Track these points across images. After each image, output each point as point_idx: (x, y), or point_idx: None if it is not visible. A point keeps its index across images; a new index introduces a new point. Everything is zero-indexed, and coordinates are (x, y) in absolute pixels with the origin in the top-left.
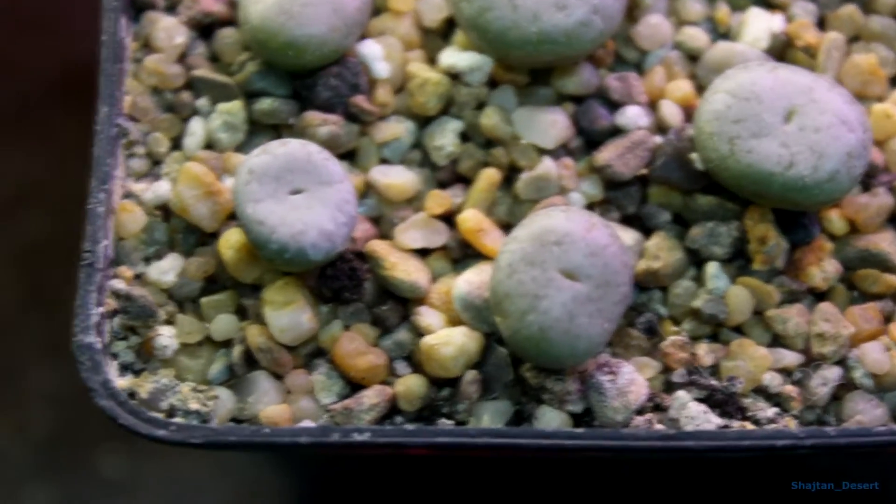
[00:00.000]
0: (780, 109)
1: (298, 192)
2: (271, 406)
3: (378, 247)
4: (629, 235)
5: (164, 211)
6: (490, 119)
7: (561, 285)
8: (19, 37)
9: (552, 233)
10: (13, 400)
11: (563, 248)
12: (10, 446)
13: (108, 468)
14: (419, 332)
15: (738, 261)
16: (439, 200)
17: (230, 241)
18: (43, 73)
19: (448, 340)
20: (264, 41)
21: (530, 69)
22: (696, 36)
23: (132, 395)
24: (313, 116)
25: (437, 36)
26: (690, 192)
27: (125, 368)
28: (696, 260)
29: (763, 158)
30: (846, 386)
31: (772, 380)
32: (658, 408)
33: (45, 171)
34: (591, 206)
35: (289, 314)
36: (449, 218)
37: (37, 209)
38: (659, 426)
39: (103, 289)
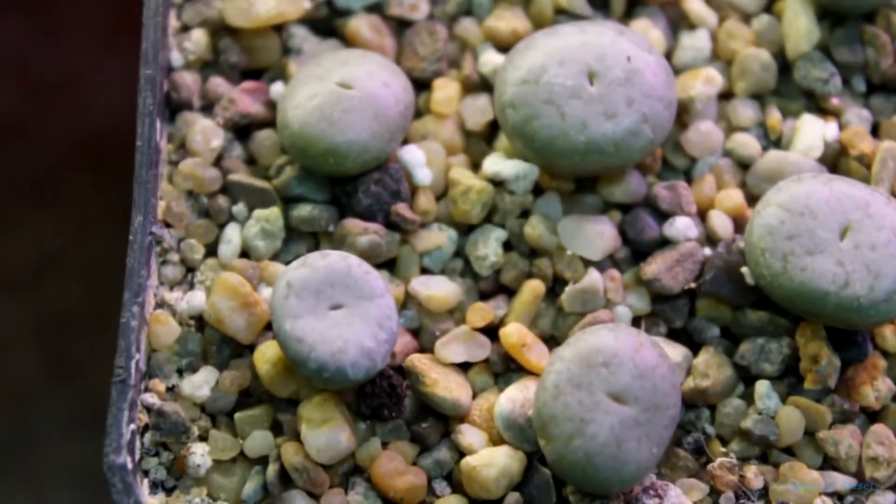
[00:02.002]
0: (835, 225)
1: (338, 308)
2: None
3: (419, 362)
4: (676, 351)
5: (198, 321)
6: (535, 229)
7: (608, 409)
8: (41, 103)
9: (600, 353)
10: (34, 471)
11: (610, 369)
12: None
13: None
14: (460, 451)
15: (789, 378)
16: (482, 313)
17: (266, 354)
18: (65, 140)
19: (490, 462)
20: (304, 148)
21: (576, 177)
22: (747, 143)
23: None
24: (353, 225)
25: (479, 139)
26: (740, 307)
27: (156, 486)
28: (746, 377)
29: (817, 277)
30: None
31: None
32: None
33: (68, 239)
34: (637, 320)
35: (326, 433)
36: (491, 330)
37: (59, 277)
38: None
39: (135, 404)
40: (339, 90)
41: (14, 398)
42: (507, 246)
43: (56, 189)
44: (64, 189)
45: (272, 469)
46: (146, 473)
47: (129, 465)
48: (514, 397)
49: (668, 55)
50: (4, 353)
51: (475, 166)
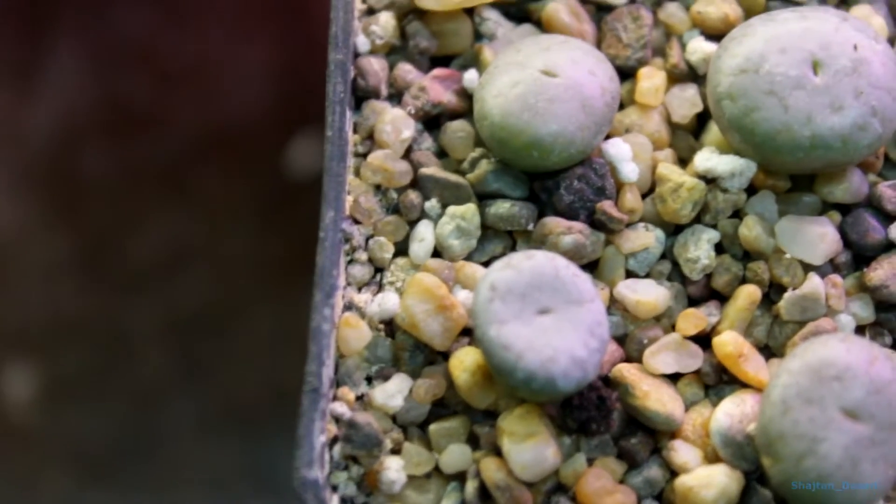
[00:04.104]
0: None
1: (546, 312)
2: None
3: (628, 372)
4: None
5: (388, 325)
6: (751, 230)
7: (842, 426)
8: (170, 92)
9: (831, 366)
10: (162, 476)
11: (843, 383)
12: None
13: None
14: (671, 469)
15: None
16: (694, 321)
17: (464, 362)
18: (194, 131)
19: (708, 482)
20: (506, 139)
21: (794, 174)
22: None
23: None
24: (555, 223)
25: (686, 133)
26: None
27: (345, 502)
28: None
29: None
30: None
31: None
32: None
33: (198, 234)
34: (860, 330)
35: (531, 448)
36: (702, 338)
37: (190, 273)
38: None
39: (325, 414)
40: (543, 78)
41: (145, 397)
42: (719, 248)
43: (186, 182)
44: (193, 182)
45: (471, 486)
46: (335, 489)
47: (322, 481)
48: (732, 412)
49: (891, 43)
50: (135, 351)
51: (682, 162)
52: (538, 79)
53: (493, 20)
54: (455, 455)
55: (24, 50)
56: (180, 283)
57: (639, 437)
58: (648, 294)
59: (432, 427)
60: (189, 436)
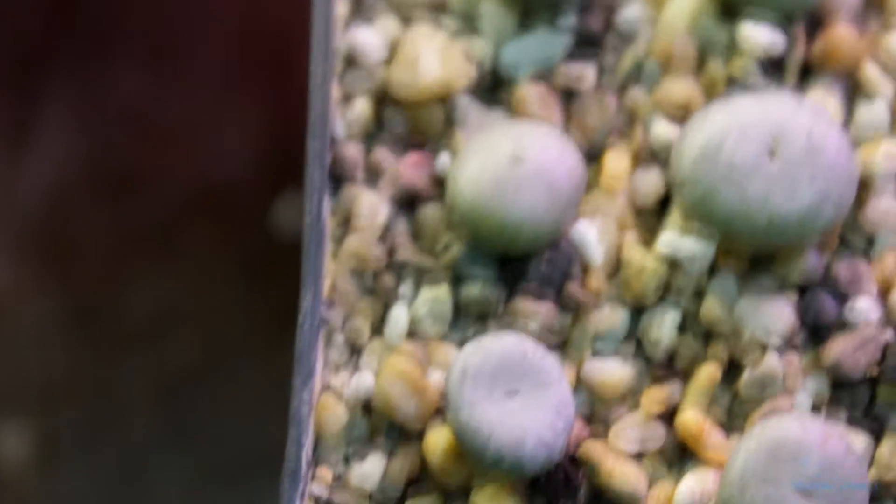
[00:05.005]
0: None
1: (514, 394)
2: None
3: (594, 450)
4: (858, 440)
5: (365, 405)
6: (712, 310)
7: None
8: (159, 153)
9: (786, 445)
10: None
11: (797, 462)
12: None
13: None
14: None
15: None
16: (658, 399)
17: (438, 442)
18: (183, 191)
19: None
20: (476, 224)
21: (753, 255)
22: None
23: None
24: (525, 305)
25: (651, 214)
26: None
27: None
28: None
29: None
30: None
31: None
32: None
33: (187, 293)
34: (816, 407)
35: None
36: (666, 415)
37: (179, 332)
38: None
39: (304, 496)
40: (512, 164)
41: (134, 455)
42: (682, 327)
43: (175, 241)
44: (182, 243)
45: None
46: None
47: None
48: (693, 489)
49: (845, 125)
50: (125, 409)
51: (646, 242)
52: (507, 165)
53: (465, 105)
54: None
55: (15, 113)
56: (169, 343)
57: None
58: (614, 373)
59: None
60: (177, 494)
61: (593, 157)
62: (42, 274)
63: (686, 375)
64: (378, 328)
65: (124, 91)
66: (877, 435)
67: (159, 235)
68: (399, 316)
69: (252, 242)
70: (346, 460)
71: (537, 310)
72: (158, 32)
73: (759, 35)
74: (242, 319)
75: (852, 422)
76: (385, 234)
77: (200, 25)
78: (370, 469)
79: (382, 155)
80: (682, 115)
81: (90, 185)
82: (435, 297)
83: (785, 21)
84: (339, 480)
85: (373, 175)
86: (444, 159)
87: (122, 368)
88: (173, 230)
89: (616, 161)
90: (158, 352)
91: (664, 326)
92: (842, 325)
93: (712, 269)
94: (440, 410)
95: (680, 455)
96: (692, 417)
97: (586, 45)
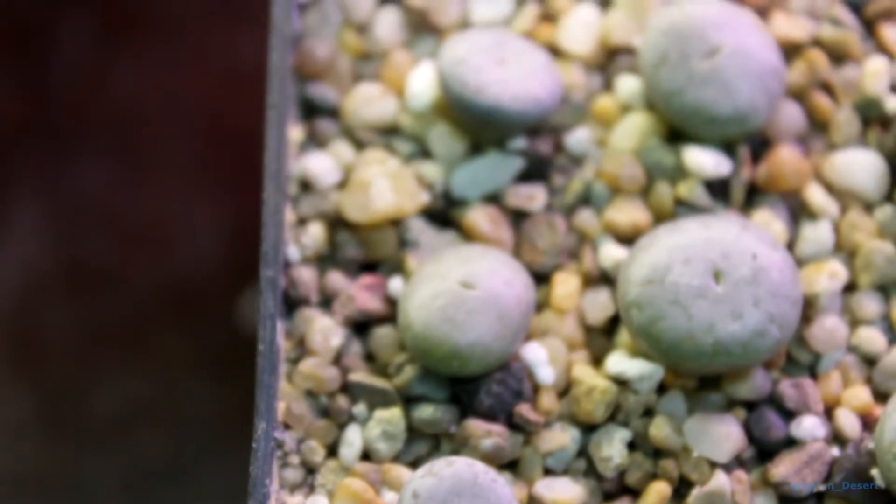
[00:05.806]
0: None
1: None
2: None
3: None
4: None
5: None
6: (660, 430)
7: None
8: (128, 252)
9: None
10: None
11: None
12: None
13: None
14: None
15: None
16: None
17: None
18: (152, 288)
19: None
20: (427, 349)
21: (700, 375)
22: (872, 339)
23: None
24: (476, 427)
25: (600, 334)
26: None
27: None
28: None
29: None
30: None
31: None
32: None
33: (156, 390)
34: None
35: None
36: None
37: (147, 429)
38: None
39: None
40: (462, 290)
41: None
42: (632, 445)
43: (143, 339)
44: (150, 338)
45: None
46: None
47: None
48: None
49: (790, 245)
50: None
51: (596, 362)
52: (457, 291)
53: (418, 228)
54: None
55: None
56: (138, 439)
57: None
58: (565, 492)
59: None
60: None
61: (543, 277)
62: (13, 370)
63: (637, 493)
64: (333, 449)
65: (94, 186)
66: None
67: (129, 331)
68: (353, 437)
69: (220, 337)
70: None
71: (489, 430)
72: (129, 129)
73: (704, 159)
74: (210, 414)
75: None
76: (339, 356)
77: (171, 123)
78: None
79: (336, 278)
80: (630, 236)
81: (60, 281)
82: (388, 419)
83: (728, 145)
84: None
85: (326, 298)
86: (395, 283)
87: (92, 464)
88: (143, 326)
89: (566, 282)
90: (127, 447)
91: (614, 445)
92: (789, 443)
93: (661, 388)
94: None
95: None
96: None
97: (536, 167)
